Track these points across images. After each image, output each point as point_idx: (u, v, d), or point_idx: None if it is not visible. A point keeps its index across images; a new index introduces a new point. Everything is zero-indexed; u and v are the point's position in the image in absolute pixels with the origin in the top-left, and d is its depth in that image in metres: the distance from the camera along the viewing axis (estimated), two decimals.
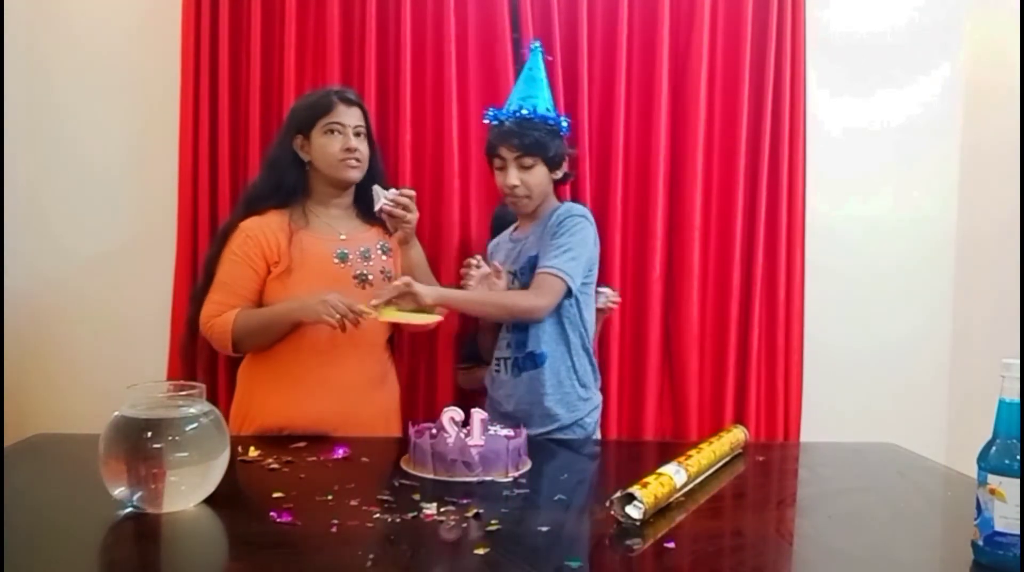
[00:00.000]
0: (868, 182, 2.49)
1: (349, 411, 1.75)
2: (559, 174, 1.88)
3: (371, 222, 1.88)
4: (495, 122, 1.86)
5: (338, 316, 1.63)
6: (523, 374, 1.81)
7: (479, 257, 1.87)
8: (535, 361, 1.80)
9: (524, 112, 1.82)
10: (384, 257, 1.87)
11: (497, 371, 1.89)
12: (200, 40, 2.24)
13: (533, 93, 1.87)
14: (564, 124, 1.88)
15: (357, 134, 1.81)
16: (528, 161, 1.81)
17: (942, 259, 2.54)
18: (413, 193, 1.76)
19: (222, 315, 1.74)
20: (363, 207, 1.87)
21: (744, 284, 2.37)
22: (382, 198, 1.73)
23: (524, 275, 1.84)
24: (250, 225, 1.78)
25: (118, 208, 2.36)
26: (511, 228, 2.00)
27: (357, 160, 1.80)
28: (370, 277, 1.81)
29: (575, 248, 1.77)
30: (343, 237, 1.82)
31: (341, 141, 1.79)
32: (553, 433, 1.77)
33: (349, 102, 1.82)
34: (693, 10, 2.32)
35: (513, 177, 1.81)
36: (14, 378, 2.28)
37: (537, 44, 1.94)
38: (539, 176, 1.83)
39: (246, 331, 1.73)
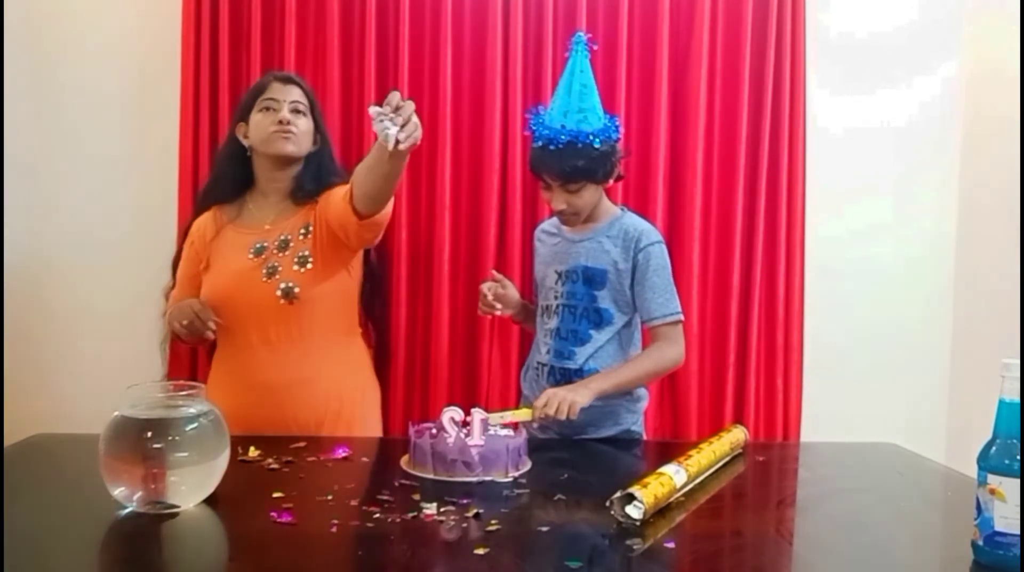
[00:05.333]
0: (868, 182, 2.49)
1: (267, 413, 1.69)
2: (610, 182, 1.75)
3: (303, 202, 1.78)
4: (536, 142, 1.69)
5: (186, 322, 1.64)
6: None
7: (490, 282, 1.77)
8: (582, 377, 1.70)
9: (565, 136, 1.63)
10: (305, 239, 1.74)
11: (536, 378, 1.81)
12: (200, 40, 2.24)
13: (576, 105, 1.66)
14: (614, 133, 1.69)
15: (295, 110, 1.75)
16: (574, 186, 1.67)
17: (942, 259, 2.54)
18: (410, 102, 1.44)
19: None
20: (304, 188, 1.78)
21: (744, 284, 2.37)
22: (392, 128, 1.38)
23: (573, 281, 1.75)
24: (195, 225, 1.84)
25: (118, 209, 2.36)
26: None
27: (292, 133, 1.73)
28: (280, 269, 1.72)
29: (669, 281, 1.73)
30: (267, 227, 1.76)
31: (273, 116, 1.73)
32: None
33: (286, 80, 1.79)
34: (693, 10, 2.32)
35: (559, 201, 1.69)
36: (14, 378, 2.28)
37: (581, 38, 1.71)
38: (587, 196, 1.69)
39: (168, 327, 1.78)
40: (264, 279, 1.72)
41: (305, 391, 1.74)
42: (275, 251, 1.74)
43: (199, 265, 1.80)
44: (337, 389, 1.78)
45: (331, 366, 1.78)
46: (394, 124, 1.38)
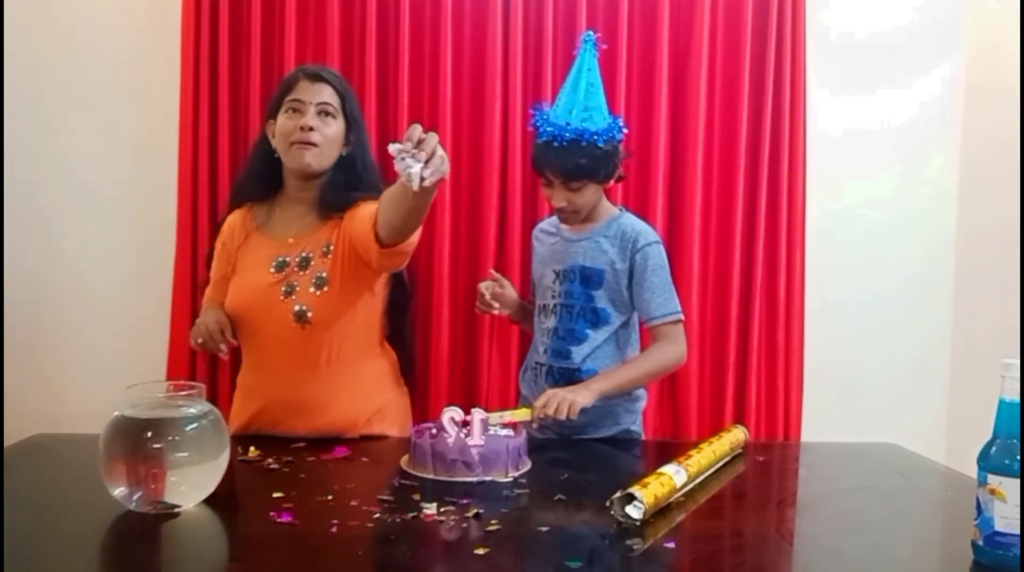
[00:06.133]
0: (868, 182, 2.49)
1: (286, 431, 1.64)
2: (612, 182, 1.75)
3: (328, 217, 1.68)
4: (539, 138, 1.68)
5: (200, 340, 1.60)
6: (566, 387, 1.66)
7: (488, 281, 1.77)
8: (579, 377, 1.70)
9: (569, 134, 1.62)
10: (324, 259, 1.65)
11: (535, 379, 1.81)
12: (200, 40, 2.24)
13: (582, 103, 1.65)
14: (618, 134, 1.69)
15: (322, 112, 1.64)
16: (576, 184, 1.67)
17: (942, 259, 2.54)
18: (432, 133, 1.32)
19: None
20: (327, 202, 1.68)
21: (744, 284, 2.37)
22: (415, 166, 1.27)
23: (570, 281, 1.75)
24: (228, 221, 1.78)
25: (118, 209, 2.36)
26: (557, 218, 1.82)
27: (312, 143, 1.62)
28: (297, 289, 1.63)
29: (668, 281, 1.72)
30: (291, 240, 1.68)
31: (297, 120, 1.62)
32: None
33: (315, 78, 1.66)
34: (693, 10, 2.32)
35: (559, 199, 1.68)
36: (14, 378, 2.28)
37: (590, 36, 1.70)
38: (588, 195, 1.69)
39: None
40: (282, 298, 1.63)
41: (317, 413, 1.66)
42: (295, 269, 1.65)
43: (228, 267, 1.74)
44: (353, 410, 1.69)
45: (347, 387, 1.69)
46: (417, 161, 1.26)
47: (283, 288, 1.64)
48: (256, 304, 1.65)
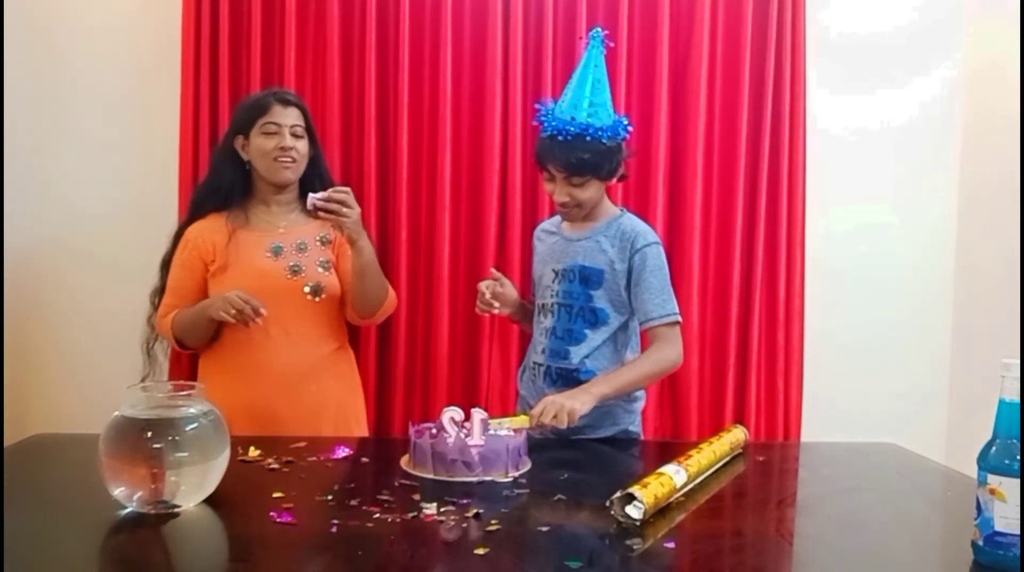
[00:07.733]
0: (868, 182, 2.49)
1: (277, 402, 1.80)
2: (614, 180, 1.75)
3: (314, 214, 1.87)
4: (544, 132, 1.68)
5: (233, 311, 1.69)
6: (564, 387, 1.67)
7: (488, 280, 1.77)
8: (577, 377, 1.70)
9: (574, 128, 1.62)
10: (323, 247, 1.88)
11: (533, 379, 1.80)
12: (200, 40, 2.24)
13: (588, 98, 1.65)
14: (623, 132, 1.68)
15: (294, 134, 1.84)
16: (578, 180, 1.66)
17: (942, 258, 2.54)
18: (348, 190, 1.72)
19: (167, 316, 1.87)
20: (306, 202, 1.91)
21: (744, 284, 2.37)
22: (312, 198, 1.70)
23: (570, 280, 1.74)
24: (191, 231, 1.88)
25: (119, 210, 2.36)
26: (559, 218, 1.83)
27: (292, 159, 1.84)
28: (304, 268, 1.84)
29: (666, 282, 1.71)
30: (281, 230, 1.86)
31: (276, 140, 1.82)
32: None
33: (286, 102, 1.86)
34: (693, 10, 2.32)
35: (562, 194, 1.68)
36: (14, 378, 2.28)
37: (598, 33, 1.70)
38: (591, 191, 1.69)
39: (181, 329, 1.85)
40: (288, 276, 1.83)
41: (316, 383, 1.85)
42: (294, 251, 1.85)
43: (204, 270, 1.84)
44: (342, 383, 1.93)
45: (338, 360, 1.93)
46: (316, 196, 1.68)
47: (287, 268, 1.83)
48: (262, 284, 1.78)
